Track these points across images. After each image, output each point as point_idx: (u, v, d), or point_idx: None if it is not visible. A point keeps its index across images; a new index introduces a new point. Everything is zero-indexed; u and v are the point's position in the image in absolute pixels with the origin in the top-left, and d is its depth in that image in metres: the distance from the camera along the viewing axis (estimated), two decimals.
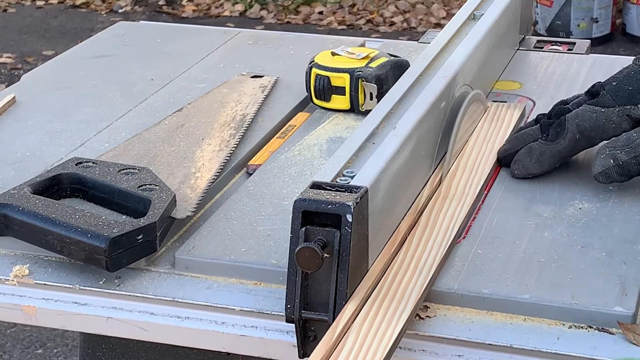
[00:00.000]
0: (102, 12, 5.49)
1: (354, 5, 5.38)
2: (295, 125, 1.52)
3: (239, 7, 5.45)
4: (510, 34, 1.74)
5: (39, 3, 5.64)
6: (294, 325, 1.07)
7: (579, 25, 4.69)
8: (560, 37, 4.68)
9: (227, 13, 5.42)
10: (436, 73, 1.40)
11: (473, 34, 1.54)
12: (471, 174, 1.33)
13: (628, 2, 4.73)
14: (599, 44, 4.63)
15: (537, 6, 4.76)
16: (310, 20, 5.29)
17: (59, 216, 1.16)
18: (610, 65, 1.70)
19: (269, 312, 1.11)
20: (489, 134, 1.43)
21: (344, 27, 5.17)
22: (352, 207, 1.05)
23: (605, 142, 1.29)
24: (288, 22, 5.26)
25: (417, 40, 1.88)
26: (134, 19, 5.30)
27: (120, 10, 5.51)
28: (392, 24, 5.19)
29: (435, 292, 1.11)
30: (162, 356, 1.44)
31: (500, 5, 1.66)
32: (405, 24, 5.17)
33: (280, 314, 1.09)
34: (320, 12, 5.35)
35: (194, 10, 5.46)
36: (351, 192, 1.08)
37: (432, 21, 5.13)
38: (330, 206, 1.06)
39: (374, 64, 1.54)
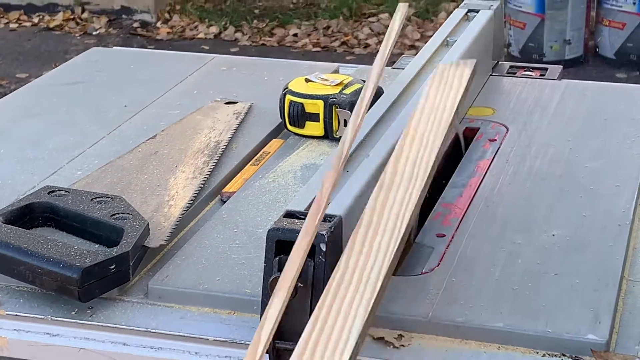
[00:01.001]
0: (76, 35, 5.47)
1: (328, 27, 5.39)
2: (269, 152, 1.52)
3: (214, 30, 5.45)
4: (483, 60, 1.75)
5: (12, 25, 5.62)
6: (267, 355, 1.07)
7: (551, 47, 4.72)
8: (534, 59, 4.71)
9: (201, 35, 5.42)
10: (409, 100, 1.40)
11: (446, 60, 1.55)
12: (419, 152, 1.10)
13: (600, 25, 4.77)
14: (572, 66, 4.66)
15: (510, 28, 4.79)
16: (285, 42, 5.29)
17: (30, 246, 1.15)
18: (582, 91, 1.72)
19: (242, 341, 1.11)
20: (436, 103, 1.20)
21: (319, 49, 5.18)
22: (325, 236, 1.05)
23: None
24: (263, 45, 5.26)
25: (391, 64, 1.89)
26: (108, 41, 5.28)
27: (94, 33, 5.49)
28: (366, 45, 5.20)
29: (409, 321, 1.11)
30: None
31: (472, 32, 1.67)
32: (379, 46, 5.19)
33: None
34: (295, 35, 5.36)
35: (168, 33, 5.45)
36: (325, 221, 1.08)
37: (406, 43, 5.14)
38: None
39: (347, 91, 1.54)
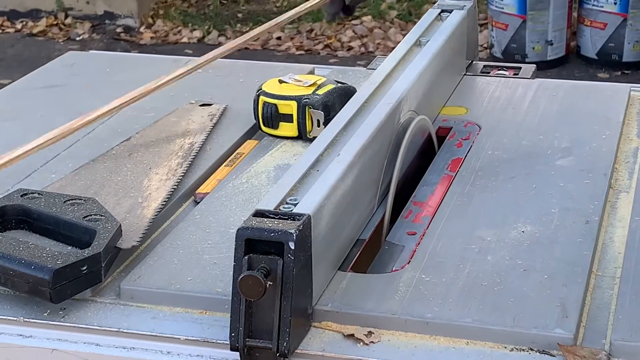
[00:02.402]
0: (60, 40, 5.47)
1: (311, 30, 5.41)
2: (243, 153, 1.52)
3: (197, 34, 5.45)
4: (456, 60, 1.76)
5: None
6: (238, 353, 1.07)
7: (534, 48, 4.74)
8: (516, 60, 4.73)
9: (185, 40, 5.42)
10: (381, 100, 1.41)
11: (418, 60, 1.56)
12: None
13: (582, 25, 4.79)
14: (554, 66, 4.67)
15: (492, 30, 4.81)
16: (269, 45, 5.30)
17: (2, 248, 1.16)
18: (554, 89, 1.73)
19: (214, 340, 1.12)
20: None
21: (302, 52, 5.19)
22: (294, 234, 1.06)
23: None
24: (246, 48, 5.26)
25: (366, 64, 1.90)
26: (91, 46, 5.29)
27: (77, 38, 5.49)
28: (349, 48, 5.21)
29: (379, 317, 1.12)
30: None
31: (445, 32, 1.68)
32: (362, 49, 5.20)
33: (225, 342, 1.09)
34: (279, 38, 5.37)
35: (152, 37, 5.46)
36: (294, 220, 1.09)
37: (389, 45, 5.16)
38: (272, 234, 1.07)
39: (320, 91, 1.55)
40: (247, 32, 5.32)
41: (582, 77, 4.59)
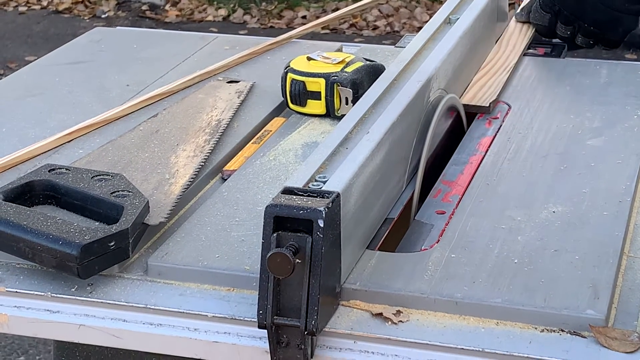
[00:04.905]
0: (85, 18, 5.47)
1: (337, 9, 5.39)
2: (270, 131, 1.51)
3: (222, 12, 5.45)
4: (486, 38, 1.74)
5: (21, 9, 5.63)
6: (266, 331, 1.07)
7: None
8: (542, 41, 4.69)
9: (210, 18, 5.42)
10: (410, 77, 1.40)
11: (448, 38, 1.55)
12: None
13: None
14: (582, 47, 4.63)
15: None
16: (294, 24, 5.29)
17: (30, 223, 1.16)
18: (584, 68, 1.71)
19: (241, 318, 1.11)
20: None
21: (327, 31, 5.17)
22: (323, 212, 1.05)
23: None
24: (271, 27, 5.26)
25: (394, 43, 1.88)
26: (117, 24, 5.29)
27: (103, 16, 5.49)
28: (375, 27, 5.19)
29: (408, 297, 1.11)
30: None
31: (475, 10, 1.66)
32: (388, 28, 5.18)
33: (253, 320, 1.09)
34: (304, 17, 5.36)
35: (177, 15, 5.46)
36: (323, 197, 1.08)
37: (415, 25, 5.14)
38: (301, 211, 1.06)
39: (349, 69, 1.53)
40: (272, 10, 5.33)
41: (610, 57, 4.54)
